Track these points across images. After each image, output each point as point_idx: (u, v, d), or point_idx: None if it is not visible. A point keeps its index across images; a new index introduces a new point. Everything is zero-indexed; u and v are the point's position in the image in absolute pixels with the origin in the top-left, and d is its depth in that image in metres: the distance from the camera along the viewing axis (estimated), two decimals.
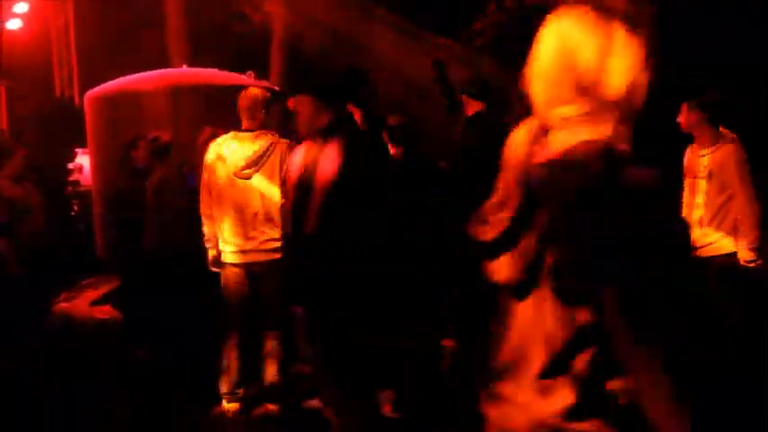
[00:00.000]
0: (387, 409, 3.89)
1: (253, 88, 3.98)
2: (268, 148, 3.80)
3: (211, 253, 3.96)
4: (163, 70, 7.35)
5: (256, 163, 3.80)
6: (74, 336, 5.96)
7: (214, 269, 3.98)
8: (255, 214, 3.80)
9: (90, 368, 4.92)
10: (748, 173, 3.78)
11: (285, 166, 3.76)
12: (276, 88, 7.85)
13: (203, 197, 3.92)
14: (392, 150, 4.00)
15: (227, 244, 3.87)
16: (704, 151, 3.82)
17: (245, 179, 3.81)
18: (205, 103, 6.13)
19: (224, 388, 3.95)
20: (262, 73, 9.74)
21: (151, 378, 4.65)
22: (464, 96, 4.39)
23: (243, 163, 3.80)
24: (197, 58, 9.74)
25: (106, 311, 6.54)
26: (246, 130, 3.87)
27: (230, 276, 3.90)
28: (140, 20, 11.13)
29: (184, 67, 7.86)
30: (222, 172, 3.84)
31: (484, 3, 10.12)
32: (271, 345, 3.92)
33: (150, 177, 4.87)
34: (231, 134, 3.90)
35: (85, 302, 7.10)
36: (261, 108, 3.87)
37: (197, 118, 5.42)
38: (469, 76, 4.45)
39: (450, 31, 10.41)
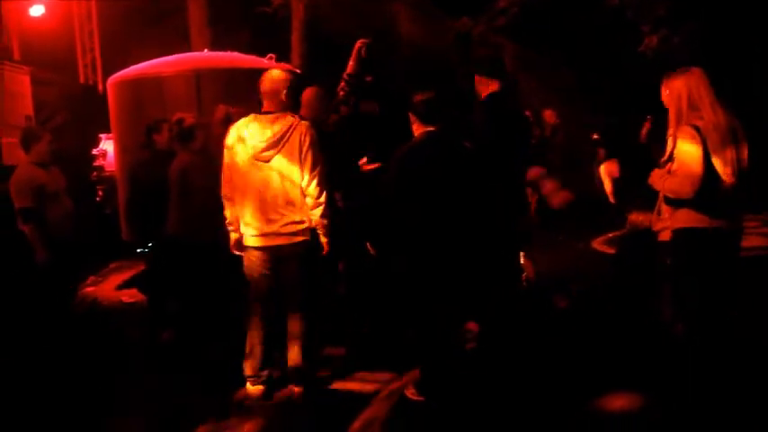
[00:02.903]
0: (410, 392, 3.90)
1: (274, 71, 3.95)
2: (288, 130, 3.78)
3: (233, 236, 3.96)
4: (184, 54, 7.35)
5: (276, 145, 3.77)
6: (101, 319, 6.06)
7: (236, 252, 3.98)
8: (275, 197, 3.79)
9: (116, 351, 5.00)
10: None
11: (305, 149, 3.77)
12: (297, 71, 7.84)
13: (224, 180, 3.92)
14: (417, 130, 3.92)
15: (248, 227, 3.87)
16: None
17: (265, 162, 3.79)
18: (227, 86, 6.13)
19: (248, 370, 3.97)
20: (283, 56, 9.73)
21: (176, 361, 4.69)
22: (477, 76, 4.28)
23: (263, 145, 3.78)
24: (218, 41, 9.75)
25: (132, 295, 6.65)
26: (266, 113, 3.85)
27: (252, 259, 3.90)
28: (162, 5, 11.16)
29: (206, 51, 7.85)
30: (242, 155, 3.82)
31: None
32: (294, 327, 3.92)
33: (173, 161, 4.87)
34: (251, 116, 3.87)
35: (111, 286, 7.22)
36: (282, 91, 3.84)
37: (219, 101, 5.41)
38: (484, 54, 4.33)
39: (473, 11, 10.30)
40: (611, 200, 8.21)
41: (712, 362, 3.43)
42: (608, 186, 8.20)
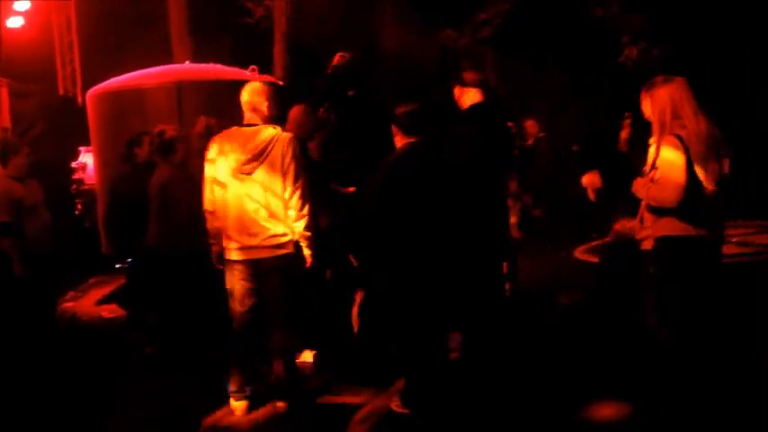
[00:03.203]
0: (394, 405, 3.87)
1: (255, 83, 3.92)
2: (270, 142, 3.75)
3: (214, 249, 3.92)
4: (166, 66, 7.30)
5: (258, 157, 3.74)
6: (80, 334, 5.98)
7: (218, 266, 3.94)
8: (258, 210, 3.75)
9: (96, 366, 4.93)
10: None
11: (287, 161, 3.74)
12: (279, 83, 7.82)
13: (206, 194, 3.87)
14: (399, 142, 3.91)
15: (230, 240, 3.83)
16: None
17: (247, 174, 3.75)
18: (208, 98, 6.09)
19: (232, 386, 3.91)
20: (265, 67, 9.70)
21: (159, 376, 4.63)
22: (457, 87, 4.27)
23: (245, 158, 3.74)
24: (200, 53, 9.70)
25: (112, 310, 6.56)
26: (249, 125, 3.83)
27: (235, 273, 3.85)
28: (143, 16, 11.10)
29: (187, 62, 7.81)
30: (224, 167, 3.78)
31: None
32: (278, 341, 3.87)
33: (153, 174, 4.83)
34: (233, 129, 3.85)
35: (91, 301, 7.13)
36: (263, 103, 3.81)
37: (200, 113, 5.38)
38: (465, 65, 4.32)
39: (457, 22, 10.35)
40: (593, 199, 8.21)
41: (697, 369, 3.43)
42: (591, 197, 8.20)
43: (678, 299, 3.49)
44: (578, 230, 8.58)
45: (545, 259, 7.89)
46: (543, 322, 5.39)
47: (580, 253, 8.15)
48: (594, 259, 7.47)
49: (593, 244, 8.01)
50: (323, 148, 4.60)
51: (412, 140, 3.87)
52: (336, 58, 4.62)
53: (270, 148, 3.74)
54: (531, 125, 8.94)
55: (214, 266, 3.94)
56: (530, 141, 8.65)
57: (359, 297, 4.42)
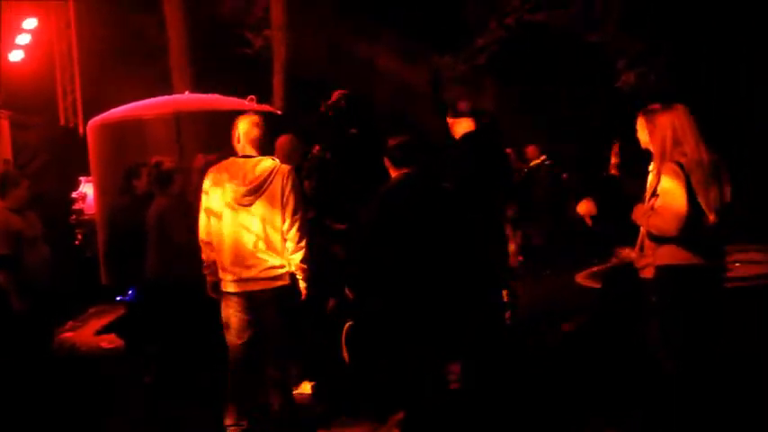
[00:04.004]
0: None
1: (250, 114, 3.93)
2: (270, 174, 3.75)
3: (209, 280, 3.89)
4: (165, 97, 7.35)
5: (258, 189, 3.73)
6: (79, 365, 5.94)
7: (213, 295, 3.91)
8: (255, 242, 3.74)
9: (95, 396, 4.89)
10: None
11: (287, 192, 3.74)
12: (278, 112, 7.87)
13: (202, 225, 3.86)
14: (393, 173, 3.94)
15: (227, 273, 3.81)
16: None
17: (246, 206, 3.74)
18: (207, 128, 6.12)
19: (229, 419, 3.86)
20: (265, 97, 9.77)
21: (157, 406, 4.59)
22: (449, 119, 4.29)
23: (243, 190, 3.74)
24: (200, 83, 9.78)
25: (111, 341, 6.53)
26: (245, 156, 3.83)
27: (231, 305, 3.82)
28: (144, 47, 11.21)
29: (187, 93, 7.86)
30: (222, 199, 3.77)
31: (485, 20, 10.16)
32: (275, 373, 3.83)
33: (151, 206, 4.83)
34: (230, 160, 3.84)
35: (91, 332, 7.10)
36: (259, 133, 3.81)
37: (200, 144, 5.40)
38: (457, 95, 4.36)
39: (453, 49, 10.45)
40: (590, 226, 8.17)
41: (699, 397, 3.39)
42: (588, 223, 8.16)
43: (680, 327, 3.46)
44: (579, 256, 8.54)
45: (546, 285, 7.85)
46: (544, 350, 5.35)
47: (581, 278, 8.10)
48: (596, 285, 7.43)
49: (595, 269, 7.96)
50: (319, 186, 4.58)
51: (405, 171, 3.89)
52: (335, 96, 4.63)
53: (270, 181, 3.74)
54: (531, 150, 8.97)
55: (209, 296, 3.91)
56: (531, 167, 8.68)
57: (346, 327, 4.39)
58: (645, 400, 3.65)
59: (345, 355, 4.39)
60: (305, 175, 4.24)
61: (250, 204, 3.73)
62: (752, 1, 9.28)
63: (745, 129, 9.59)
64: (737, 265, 7.72)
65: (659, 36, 9.76)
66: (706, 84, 9.74)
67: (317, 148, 4.63)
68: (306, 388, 4.54)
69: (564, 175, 9.29)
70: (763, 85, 9.48)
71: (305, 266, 3.79)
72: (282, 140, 4.65)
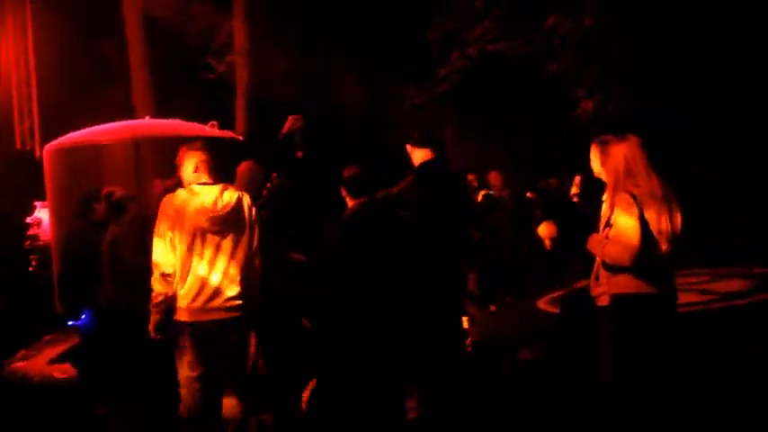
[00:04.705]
0: None
1: (198, 142, 3.89)
2: (237, 203, 3.71)
3: (154, 317, 3.70)
4: (124, 122, 7.26)
5: (228, 219, 3.68)
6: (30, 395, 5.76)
7: (158, 336, 3.73)
8: (224, 272, 3.67)
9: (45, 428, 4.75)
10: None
11: (253, 222, 3.71)
12: (240, 138, 7.84)
13: (162, 254, 3.69)
14: (350, 203, 3.97)
15: (183, 302, 3.70)
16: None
17: (217, 236, 3.67)
18: (167, 154, 6.03)
19: None
20: (230, 121, 9.75)
21: None
22: (408, 146, 4.34)
23: (214, 219, 3.66)
24: (163, 107, 9.71)
25: (65, 370, 6.34)
26: (205, 184, 3.76)
27: (185, 337, 3.71)
28: (105, 71, 11.11)
29: (147, 118, 7.79)
30: (186, 227, 3.66)
31: (447, 51, 10.32)
32: (231, 407, 3.75)
33: (105, 233, 4.76)
34: (190, 188, 3.74)
35: (44, 361, 6.88)
36: (212, 162, 3.77)
37: (159, 169, 5.33)
38: (417, 127, 4.42)
39: (415, 78, 10.58)
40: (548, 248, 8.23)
41: (658, 423, 3.44)
42: (548, 245, 8.24)
43: (637, 354, 3.51)
44: (541, 281, 8.63)
45: (506, 311, 7.90)
46: (504, 377, 5.37)
47: (542, 304, 8.18)
48: (556, 310, 7.51)
49: (555, 294, 8.05)
50: (276, 215, 4.54)
51: (361, 201, 3.92)
52: (289, 122, 4.61)
53: (237, 210, 3.70)
54: (494, 177, 9.07)
55: (151, 336, 3.75)
56: (496, 192, 8.78)
57: (311, 384, 4.35)
58: (606, 425, 3.68)
59: (303, 404, 4.34)
60: (261, 204, 4.19)
61: (214, 233, 3.67)
62: (745, 6, 9.50)
63: (739, 134, 9.79)
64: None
65: (619, 65, 9.99)
66: (699, 90, 9.93)
67: (274, 175, 4.60)
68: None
69: (528, 194, 9.37)
70: (755, 90, 9.66)
71: (259, 298, 3.76)
72: (243, 167, 4.61)
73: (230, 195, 3.72)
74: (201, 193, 3.70)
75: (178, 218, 3.67)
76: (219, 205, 3.67)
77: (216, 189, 3.72)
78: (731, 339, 5.64)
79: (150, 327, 3.73)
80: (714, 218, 7.87)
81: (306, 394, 4.38)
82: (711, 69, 9.92)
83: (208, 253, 3.67)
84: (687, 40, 9.74)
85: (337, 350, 4.03)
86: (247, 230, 3.70)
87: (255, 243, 3.73)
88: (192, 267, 3.67)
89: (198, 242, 3.66)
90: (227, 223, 3.67)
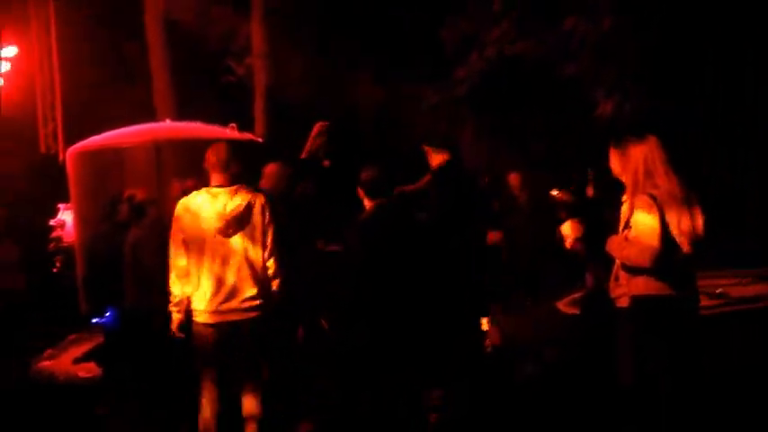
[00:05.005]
0: None
1: (222, 143, 3.92)
2: (248, 204, 3.75)
3: (176, 317, 3.80)
4: (145, 125, 7.36)
5: (237, 219, 3.72)
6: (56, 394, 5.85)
7: (178, 334, 3.81)
8: (234, 272, 3.72)
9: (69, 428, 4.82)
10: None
11: (266, 222, 3.74)
12: (258, 140, 7.89)
13: (177, 255, 3.78)
14: (367, 204, 3.99)
15: (201, 303, 3.76)
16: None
17: (227, 236, 3.72)
18: (188, 157, 6.12)
19: None
20: (249, 123, 9.81)
21: None
22: (426, 147, 4.35)
23: (223, 221, 3.71)
24: (183, 110, 9.81)
25: (89, 369, 6.43)
26: (220, 186, 3.81)
27: (205, 335, 3.77)
28: (126, 74, 11.24)
29: (168, 120, 7.88)
30: (200, 229, 3.74)
31: (465, 52, 10.30)
32: (251, 407, 3.78)
33: (128, 235, 4.83)
34: (204, 190, 3.81)
35: (69, 360, 6.99)
36: (231, 163, 3.79)
37: (180, 171, 5.39)
38: (436, 129, 4.43)
39: (433, 79, 10.57)
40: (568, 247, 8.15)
41: (678, 426, 3.42)
42: (569, 245, 8.15)
43: (656, 357, 3.49)
44: (563, 282, 8.57)
45: (527, 312, 7.86)
46: (525, 379, 5.34)
47: (563, 305, 8.13)
48: (576, 312, 7.46)
49: (576, 295, 7.99)
50: (302, 225, 4.59)
51: (378, 202, 3.95)
52: (315, 130, 4.62)
53: (247, 211, 3.73)
54: (513, 178, 9.04)
55: (174, 335, 3.83)
56: (515, 193, 8.74)
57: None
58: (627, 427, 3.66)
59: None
60: (284, 211, 4.25)
61: (231, 234, 3.72)
62: (758, 6, 9.40)
63: (751, 135, 9.68)
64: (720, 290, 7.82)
65: (632, 66, 9.90)
66: (712, 90, 9.84)
67: (299, 187, 4.66)
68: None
69: (552, 192, 9.25)
70: None
71: (282, 296, 3.79)
72: (271, 168, 4.69)
73: (242, 197, 3.74)
74: (214, 196, 3.75)
75: (191, 220, 3.73)
76: (229, 207, 3.70)
77: (228, 191, 3.75)
78: (749, 343, 5.57)
79: (173, 326, 3.82)
80: (727, 219, 7.79)
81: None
82: (724, 69, 9.82)
83: (220, 255, 3.71)
84: (699, 41, 9.65)
85: (359, 355, 4.04)
86: (260, 231, 3.72)
87: (270, 243, 3.74)
88: (206, 269, 3.72)
89: (210, 244, 3.71)
90: (237, 225, 3.71)
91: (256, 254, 3.75)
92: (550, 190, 9.44)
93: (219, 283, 3.72)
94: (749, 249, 8.51)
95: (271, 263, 3.77)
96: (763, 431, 3.94)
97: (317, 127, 4.62)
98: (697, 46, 9.73)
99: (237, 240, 3.72)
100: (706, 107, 9.76)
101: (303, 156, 4.63)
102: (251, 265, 3.74)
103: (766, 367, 4.65)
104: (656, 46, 9.59)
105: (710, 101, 9.83)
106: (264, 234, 3.74)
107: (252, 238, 3.73)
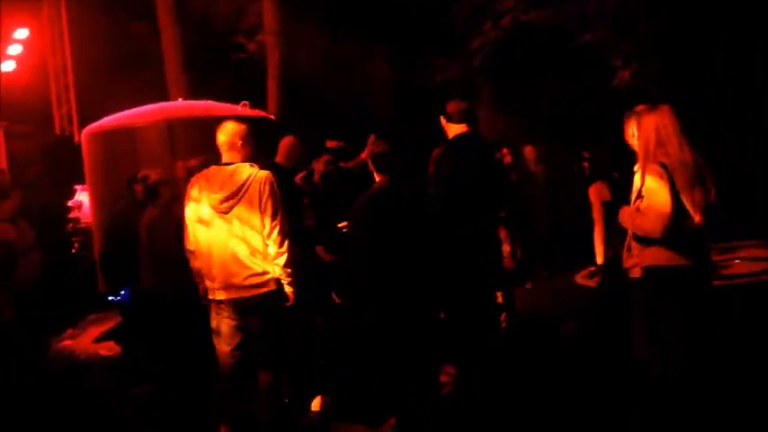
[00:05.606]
0: None
1: (229, 122, 3.90)
2: (246, 181, 3.73)
3: (202, 287, 3.89)
4: (158, 104, 7.36)
5: (235, 196, 3.71)
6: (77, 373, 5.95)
7: (205, 302, 3.90)
8: (237, 249, 3.73)
9: (90, 406, 4.89)
10: None
11: (265, 198, 3.72)
12: (272, 117, 7.87)
13: (187, 234, 3.84)
14: (377, 178, 3.96)
15: (213, 280, 3.79)
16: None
17: (225, 213, 3.72)
18: (201, 135, 6.10)
19: (222, 430, 3.85)
20: (262, 100, 9.79)
21: (149, 416, 4.58)
22: (443, 119, 4.30)
23: (221, 197, 3.72)
24: (196, 88, 9.79)
25: (110, 348, 6.53)
26: (225, 164, 3.82)
27: (219, 312, 3.81)
28: (138, 54, 11.23)
29: (180, 100, 7.87)
30: (203, 207, 3.76)
31: (478, 22, 10.16)
32: (264, 381, 3.82)
33: (143, 215, 4.84)
34: (212, 168, 3.83)
35: (89, 339, 7.10)
36: (238, 142, 3.79)
37: (193, 150, 5.39)
38: (453, 102, 4.34)
39: (447, 52, 10.45)
40: (597, 225, 8.03)
41: (690, 398, 3.38)
42: (596, 209, 8.00)
43: (668, 321, 3.45)
44: (580, 255, 8.50)
45: (544, 286, 7.82)
46: (541, 353, 5.32)
47: (581, 278, 8.08)
48: (593, 284, 7.41)
49: (593, 268, 7.94)
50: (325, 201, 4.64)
51: (387, 177, 3.93)
52: (370, 141, 4.59)
53: (246, 187, 3.72)
54: (529, 151, 8.94)
55: (200, 304, 3.90)
56: (530, 166, 8.65)
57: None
58: (638, 404, 3.63)
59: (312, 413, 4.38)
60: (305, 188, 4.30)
61: (228, 211, 3.71)
62: None
63: (762, 120, 9.57)
64: (737, 261, 7.73)
65: (654, 35, 9.74)
66: (723, 76, 9.72)
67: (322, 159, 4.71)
68: (316, 404, 4.49)
69: (584, 153, 9.07)
70: None
71: (289, 270, 3.78)
72: (285, 141, 4.81)
73: (243, 173, 3.73)
74: (219, 173, 3.76)
75: (198, 197, 3.76)
76: (230, 183, 3.71)
77: (230, 168, 3.75)
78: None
79: (200, 294, 3.90)
80: (738, 203, 7.68)
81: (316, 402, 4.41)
82: (734, 56, 9.65)
83: (224, 231, 3.72)
84: (710, 27, 9.48)
85: (370, 335, 4.04)
86: (260, 205, 3.70)
87: (271, 217, 3.71)
88: (211, 245, 3.75)
89: (216, 220, 3.73)
90: (238, 200, 3.70)
91: (257, 229, 3.74)
92: (566, 163, 9.36)
93: (223, 260, 3.74)
94: (759, 234, 8.43)
95: (273, 236, 3.74)
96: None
97: (372, 138, 4.60)
98: (708, 32, 9.57)
99: (236, 215, 3.72)
100: (717, 93, 9.64)
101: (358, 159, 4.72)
102: (252, 240, 3.74)
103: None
104: (667, 31, 9.43)
105: (721, 87, 9.70)
106: (264, 208, 3.72)
107: (251, 213, 3.72)
